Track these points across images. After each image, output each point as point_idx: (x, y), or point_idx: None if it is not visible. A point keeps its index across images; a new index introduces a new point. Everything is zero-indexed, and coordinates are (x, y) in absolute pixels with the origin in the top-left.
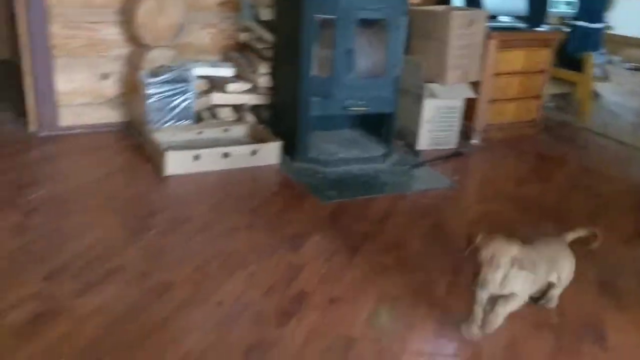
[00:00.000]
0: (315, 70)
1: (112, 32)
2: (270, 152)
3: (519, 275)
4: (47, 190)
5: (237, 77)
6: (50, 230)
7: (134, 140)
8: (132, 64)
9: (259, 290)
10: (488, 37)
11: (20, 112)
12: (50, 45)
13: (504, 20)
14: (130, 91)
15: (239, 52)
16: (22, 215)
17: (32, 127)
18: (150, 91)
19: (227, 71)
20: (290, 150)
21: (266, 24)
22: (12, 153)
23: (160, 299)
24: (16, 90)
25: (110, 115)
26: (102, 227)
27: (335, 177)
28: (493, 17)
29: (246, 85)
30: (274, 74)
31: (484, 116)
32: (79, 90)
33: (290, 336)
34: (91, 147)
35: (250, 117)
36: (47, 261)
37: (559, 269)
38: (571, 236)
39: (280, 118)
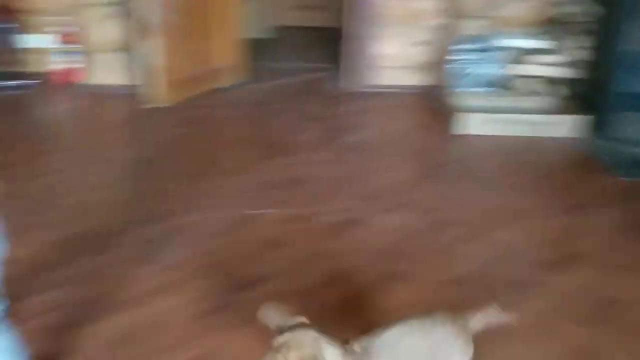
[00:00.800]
0: (632, 46)
1: (428, 3)
2: (570, 125)
3: None
4: (358, 136)
5: (547, 50)
6: (359, 166)
7: (435, 103)
8: (444, 33)
9: (532, 242)
10: None
11: (340, 71)
12: (373, 14)
13: None
14: (438, 58)
15: (551, 25)
16: (338, 152)
17: (349, 84)
18: (457, 58)
19: (536, 43)
20: (594, 126)
21: None
22: (332, 104)
23: (440, 231)
24: (337, 53)
25: (416, 79)
26: (400, 169)
27: None
28: None
29: (555, 58)
30: (587, 48)
31: None
32: (392, 55)
33: (556, 283)
34: (396, 105)
35: (554, 90)
36: (355, 187)
37: None
38: (479, 320)
39: (588, 93)
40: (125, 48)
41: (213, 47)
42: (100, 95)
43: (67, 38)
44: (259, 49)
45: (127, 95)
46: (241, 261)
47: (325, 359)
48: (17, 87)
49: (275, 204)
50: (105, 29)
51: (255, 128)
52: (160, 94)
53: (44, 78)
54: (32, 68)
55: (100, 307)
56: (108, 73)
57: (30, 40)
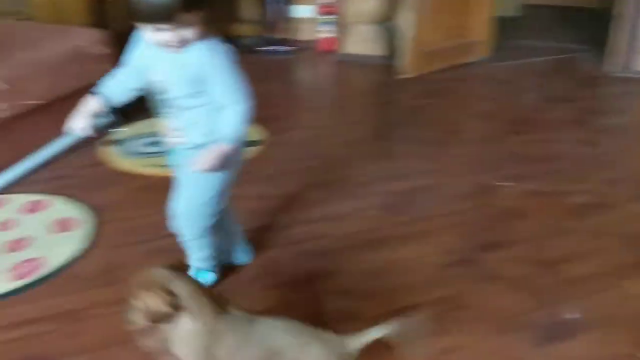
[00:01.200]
0: None
1: None
2: None
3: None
4: (614, 119)
5: None
6: (612, 149)
7: None
8: None
9: None
10: None
11: (604, 53)
12: None
13: None
14: None
15: None
16: (591, 133)
17: (612, 67)
18: None
19: None
20: None
21: None
22: (587, 86)
23: None
24: (590, 34)
25: None
26: None
27: None
28: None
29: None
30: None
31: None
32: None
33: None
34: None
35: None
36: (605, 170)
37: None
38: (364, 339)
39: None
40: (377, 20)
41: (464, 22)
42: (354, 63)
43: (325, 9)
44: (507, 27)
45: (378, 64)
46: (483, 224)
47: (178, 292)
48: (286, 52)
49: (519, 177)
50: (360, 2)
51: (501, 103)
52: (411, 65)
53: (308, 45)
54: (299, 36)
55: (352, 243)
56: (361, 43)
57: (298, 11)
